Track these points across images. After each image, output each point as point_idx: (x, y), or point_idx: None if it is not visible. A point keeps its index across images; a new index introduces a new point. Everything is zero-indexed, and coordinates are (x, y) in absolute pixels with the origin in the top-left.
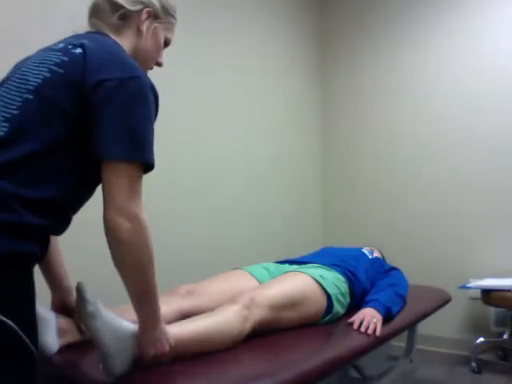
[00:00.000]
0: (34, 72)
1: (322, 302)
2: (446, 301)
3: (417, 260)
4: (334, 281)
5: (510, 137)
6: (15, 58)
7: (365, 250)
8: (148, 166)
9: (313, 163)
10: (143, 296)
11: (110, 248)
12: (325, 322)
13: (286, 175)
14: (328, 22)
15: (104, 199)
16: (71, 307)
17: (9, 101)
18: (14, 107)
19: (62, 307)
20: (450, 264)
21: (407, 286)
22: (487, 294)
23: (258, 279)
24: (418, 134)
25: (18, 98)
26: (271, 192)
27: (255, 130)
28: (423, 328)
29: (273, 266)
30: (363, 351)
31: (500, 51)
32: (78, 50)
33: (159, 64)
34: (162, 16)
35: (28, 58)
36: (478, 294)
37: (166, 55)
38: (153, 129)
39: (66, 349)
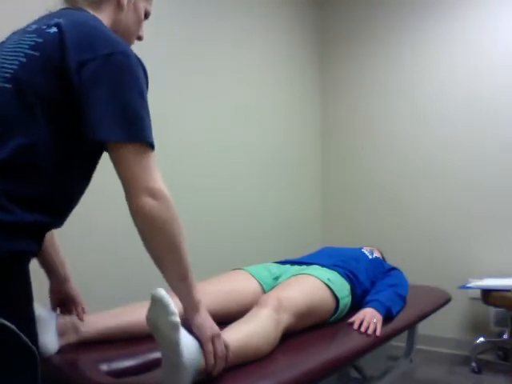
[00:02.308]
0: (9, 58)
1: (331, 305)
2: (446, 301)
3: (417, 260)
4: (340, 283)
5: (509, 138)
6: None
7: (365, 250)
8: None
9: (313, 163)
10: (185, 273)
11: (142, 232)
12: (328, 322)
13: (285, 175)
14: (328, 22)
15: (123, 185)
16: (68, 295)
17: None
18: None
19: (59, 295)
20: (450, 264)
21: (407, 286)
22: (487, 294)
23: (258, 280)
24: (418, 133)
25: None
26: (271, 192)
27: (255, 130)
28: (423, 328)
29: (274, 267)
30: (363, 351)
31: (500, 51)
32: (53, 30)
33: (140, 38)
34: None
35: (2, 44)
36: (478, 294)
37: (166, 56)
38: (147, 104)
39: (66, 349)
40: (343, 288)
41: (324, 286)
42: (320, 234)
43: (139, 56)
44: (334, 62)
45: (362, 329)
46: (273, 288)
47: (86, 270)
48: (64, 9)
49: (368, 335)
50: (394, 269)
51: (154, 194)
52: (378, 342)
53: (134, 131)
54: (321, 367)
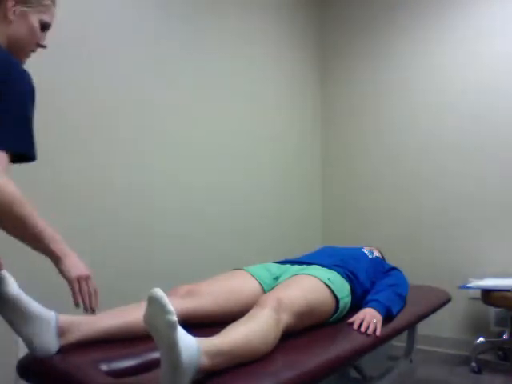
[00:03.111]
0: None
1: (331, 305)
2: (446, 301)
3: (417, 260)
4: (340, 283)
5: (509, 138)
6: None
7: (365, 250)
8: None
9: (313, 163)
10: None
11: None
12: (328, 322)
13: (285, 175)
14: (328, 24)
15: None
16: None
17: None
18: None
19: None
20: (450, 264)
21: (407, 285)
22: (487, 294)
23: (258, 280)
24: (418, 135)
25: None
26: (271, 192)
27: (255, 131)
28: (423, 328)
29: (274, 267)
30: (363, 351)
31: (500, 51)
32: None
33: (42, 46)
34: (32, 1)
35: None
36: (478, 293)
37: (166, 57)
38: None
39: (66, 349)
40: (343, 288)
41: (324, 285)
42: (320, 234)
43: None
44: (334, 63)
45: (362, 329)
46: (273, 288)
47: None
48: None
49: (368, 335)
50: (393, 269)
51: None
52: (378, 341)
53: None
54: (321, 367)
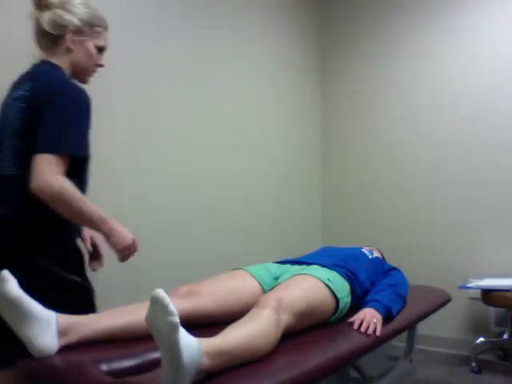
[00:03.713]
0: None
1: (331, 305)
2: (446, 301)
3: (417, 260)
4: (340, 283)
5: (509, 138)
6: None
7: (365, 250)
8: None
9: (313, 163)
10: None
11: None
12: (328, 322)
13: (286, 176)
14: (328, 23)
15: None
16: (95, 243)
17: None
18: None
19: (90, 241)
20: (450, 264)
21: (407, 285)
22: (487, 294)
23: (258, 280)
24: (418, 134)
25: None
26: (271, 192)
27: (255, 131)
28: (423, 328)
29: (274, 267)
30: (363, 351)
31: (500, 51)
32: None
33: (100, 65)
34: (86, 30)
35: None
36: (478, 294)
37: (166, 56)
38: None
39: (65, 349)
40: (343, 288)
41: (324, 285)
42: (320, 234)
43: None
44: (334, 62)
45: (362, 329)
46: (273, 288)
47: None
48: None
49: (368, 335)
50: (393, 269)
51: None
52: (378, 341)
53: None
54: (321, 367)
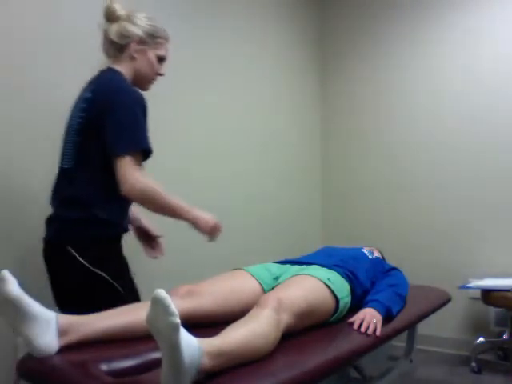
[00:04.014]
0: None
1: (331, 306)
2: (446, 301)
3: (417, 260)
4: (340, 283)
5: (509, 138)
6: (14, 60)
7: (365, 250)
8: None
9: (313, 164)
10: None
11: None
12: (328, 322)
13: (286, 176)
14: (328, 23)
15: None
16: (148, 231)
17: None
18: None
19: (140, 232)
20: (450, 264)
21: (407, 285)
22: (487, 294)
23: (258, 280)
24: (418, 134)
25: None
26: (271, 192)
27: (255, 131)
28: (423, 328)
29: (274, 267)
30: (363, 351)
31: (500, 52)
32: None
33: (160, 74)
34: (148, 41)
35: None
36: (478, 294)
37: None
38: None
39: (65, 349)
40: (343, 288)
41: (324, 286)
42: (320, 234)
43: None
44: (334, 62)
45: (362, 329)
46: (273, 288)
47: None
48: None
49: (368, 335)
50: (393, 269)
51: None
52: (378, 341)
53: None
54: (321, 367)
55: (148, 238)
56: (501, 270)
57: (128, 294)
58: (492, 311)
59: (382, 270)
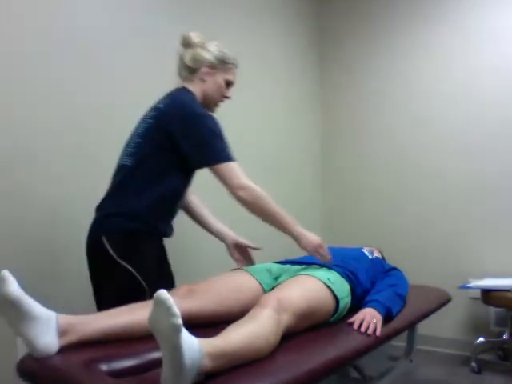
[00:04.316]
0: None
1: (332, 306)
2: (446, 301)
3: (417, 260)
4: (340, 283)
5: (510, 138)
6: (14, 68)
7: (365, 250)
8: None
9: (313, 163)
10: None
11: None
12: (328, 322)
13: (285, 175)
14: (328, 22)
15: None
16: (243, 244)
17: None
18: None
19: (236, 247)
20: (450, 264)
21: (407, 286)
22: (487, 294)
23: (258, 280)
24: (418, 133)
25: None
26: (271, 192)
27: (255, 131)
28: (423, 328)
29: (274, 267)
30: (363, 351)
31: (500, 51)
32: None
33: (227, 97)
34: (219, 66)
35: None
36: (478, 294)
37: (163, 56)
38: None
39: (65, 349)
40: (343, 288)
41: (324, 286)
42: (320, 234)
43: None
44: (334, 62)
45: (362, 329)
46: (273, 288)
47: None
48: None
49: (368, 335)
50: (393, 269)
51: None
52: (378, 342)
53: None
54: (321, 367)
55: (242, 252)
56: (501, 270)
57: (153, 292)
58: (492, 311)
59: (382, 270)
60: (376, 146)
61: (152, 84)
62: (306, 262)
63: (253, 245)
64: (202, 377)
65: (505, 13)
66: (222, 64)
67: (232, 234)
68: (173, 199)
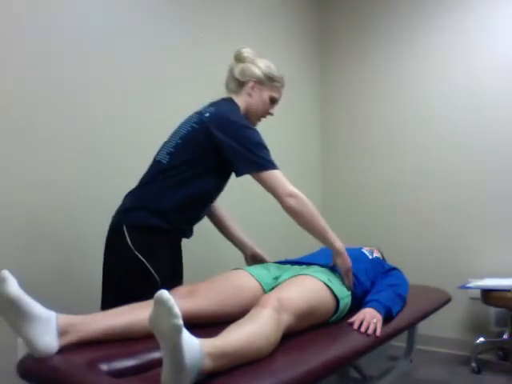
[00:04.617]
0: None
1: (332, 306)
2: (446, 301)
3: (417, 260)
4: (340, 283)
5: (509, 138)
6: (14, 68)
7: (365, 250)
8: None
9: (313, 163)
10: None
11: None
12: (329, 322)
13: (285, 175)
14: (328, 22)
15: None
16: (259, 256)
17: None
18: None
19: (253, 258)
20: (450, 264)
21: (407, 286)
22: (487, 294)
23: (258, 280)
24: (417, 134)
25: None
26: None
27: None
28: (423, 328)
29: (274, 267)
30: (363, 351)
31: (500, 51)
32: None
33: (270, 114)
34: (266, 82)
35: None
36: (478, 294)
37: (163, 56)
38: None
39: (66, 349)
40: (343, 288)
41: (324, 286)
42: None
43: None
44: (334, 62)
45: (362, 329)
46: (273, 288)
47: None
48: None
49: (368, 335)
50: (393, 269)
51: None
52: (378, 342)
53: None
54: (321, 367)
55: (257, 262)
56: (501, 270)
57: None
58: (492, 311)
59: (382, 270)
60: (376, 146)
61: (152, 84)
62: (306, 262)
63: (268, 258)
64: (203, 377)
65: (505, 13)
66: (270, 81)
67: (251, 245)
68: (202, 202)
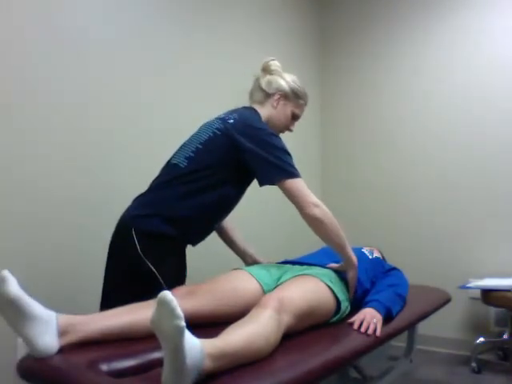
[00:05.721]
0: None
1: (332, 306)
2: (446, 301)
3: (417, 260)
4: (341, 284)
5: (509, 137)
6: (14, 58)
7: (365, 250)
8: None
9: (313, 163)
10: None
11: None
12: (329, 323)
13: None
14: (328, 22)
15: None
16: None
17: None
18: None
19: (253, 263)
20: (450, 264)
21: (407, 286)
22: (487, 294)
23: (258, 280)
24: (418, 134)
25: None
26: (271, 192)
27: None
28: (423, 328)
29: (274, 267)
30: (363, 351)
31: (500, 51)
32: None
33: (290, 130)
34: (291, 98)
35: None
36: (478, 293)
37: (163, 57)
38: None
39: (66, 349)
40: (344, 289)
41: (325, 286)
42: None
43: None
44: (334, 62)
45: (362, 329)
46: (273, 288)
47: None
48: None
49: (368, 335)
50: (394, 269)
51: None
52: (378, 342)
53: None
54: (321, 367)
55: None
56: (501, 270)
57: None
58: (492, 311)
59: (382, 270)
60: (376, 147)
61: (152, 84)
62: (307, 263)
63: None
64: (203, 377)
65: (505, 13)
66: (295, 97)
67: (251, 253)
68: (219, 211)
